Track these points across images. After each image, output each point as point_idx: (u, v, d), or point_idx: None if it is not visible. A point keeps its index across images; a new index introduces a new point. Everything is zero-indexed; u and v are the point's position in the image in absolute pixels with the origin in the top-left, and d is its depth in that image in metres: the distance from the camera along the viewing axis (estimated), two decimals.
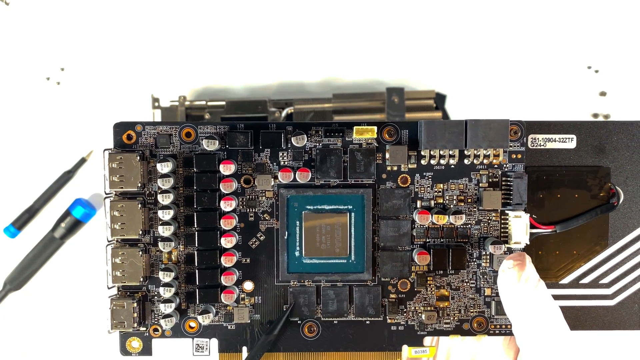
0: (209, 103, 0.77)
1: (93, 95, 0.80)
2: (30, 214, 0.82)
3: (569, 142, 0.57)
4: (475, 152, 0.55)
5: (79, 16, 0.79)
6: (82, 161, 0.81)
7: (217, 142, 0.54)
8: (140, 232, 0.55)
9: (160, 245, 0.55)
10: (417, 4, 0.79)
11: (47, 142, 0.81)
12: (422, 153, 0.55)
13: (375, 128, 0.55)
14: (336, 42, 0.79)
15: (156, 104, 0.78)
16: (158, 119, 0.77)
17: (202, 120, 0.76)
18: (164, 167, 0.54)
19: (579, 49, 0.78)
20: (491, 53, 0.79)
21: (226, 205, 0.54)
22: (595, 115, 0.79)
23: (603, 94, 0.79)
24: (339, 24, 0.79)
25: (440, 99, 0.78)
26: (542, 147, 0.57)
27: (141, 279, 0.55)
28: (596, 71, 0.79)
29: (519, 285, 0.51)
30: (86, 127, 0.80)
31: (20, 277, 0.82)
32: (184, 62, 0.79)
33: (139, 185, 0.55)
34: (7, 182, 0.82)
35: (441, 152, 0.55)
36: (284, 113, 0.76)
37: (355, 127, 0.55)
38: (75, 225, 0.81)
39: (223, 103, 0.76)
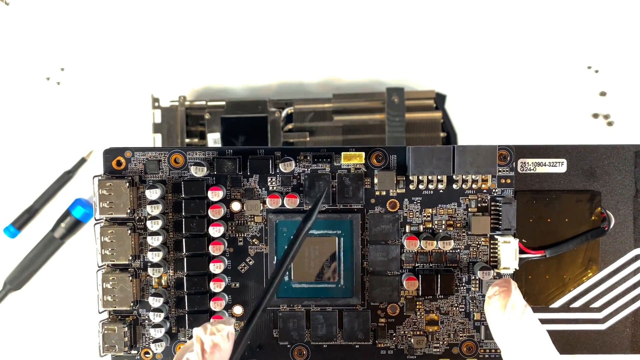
0: (209, 103, 0.77)
1: (93, 96, 0.80)
2: (30, 214, 0.83)
3: (559, 167, 0.56)
4: (463, 177, 0.55)
5: (79, 16, 0.79)
6: (82, 161, 0.82)
7: (205, 168, 0.54)
8: (130, 258, 0.56)
9: (150, 270, 0.55)
10: (417, 4, 0.78)
11: (47, 142, 0.81)
12: (411, 178, 0.55)
13: (363, 154, 0.55)
14: (336, 42, 0.79)
15: (156, 104, 0.78)
16: (158, 119, 0.77)
17: (203, 119, 0.76)
18: (152, 194, 0.54)
19: (579, 49, 0.78)
20: (491, 53, 0.79)
21: (215, 231, 0.55)
22: (595, 116, 0.78)
23: (603, 94, 0.79)
24: (339, 24, 0.79)
25: (440, 99, 0.78)
26: (532, 171, 0.56)
27: (131, 304, 0.56)
28: (596, 71, 0.78)
29: (505, 313, 0.50)
30: (86, 127, 0.80)
31: (20, 277, 0.83)
32: (184, 62, 0.79)
33: (129, 211, 0.55)
34: (7, 182, 0.82)
35: (429, 177, 0.55)
36: (283, 113, 0.76)
37: (343, 153, 0.55)
38: (75, 225, 0.81)
39: (223, 103, 0.76)
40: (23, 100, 0.80)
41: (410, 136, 0.75)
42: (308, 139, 0.76)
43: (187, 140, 0.77)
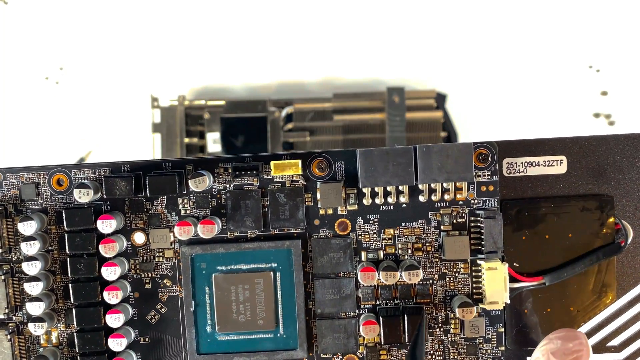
0: (209, 102, 0.76)
1: (92, 95, 0.79)
2: None
3: (558, 166, 0.43)
4: (432, 185, 0.42)
5: (77, 15, 0.78)
6: (81, 161, 0.79)
7: (91, 191, 0.42)
8: (7, 311, 0.43)
9: (31, 326, 0.43)
10: (417, 4, 0.77)
11: (46, 142, 0.79)
12: (364, 191, 0.42)
13: (299, 162, 0.42)
14: (336, 42, 0.78)
15: (155, 103, 0.76)
16: (157, 118, 0.75)
17: (203, 118, 0.74)
18: (26, 228, 0.42)
19: (580, 48, 0.77)
20: (492, 52, 0.78)
21: (109, 273, 0.42)
22: (597, 115, 0.77)
23: (604, 93, 0.77)
24: (339, 23, 0.78)
25: (441, 99, 0.76)
26: (522, 174, 0.43)
27: None
28: (597, 70, 0.77)
29: None
30: (85, 127, 0.78)
31: None
32: (183, 61, 0.79)
33: (0, 251, 0.43)
34: None
35: (387, 188, 0.42)
36: (283, 113, 0.75)
37: (272, 162, 0.42)
38: None
39: (222, 102, 0.76)
40: (22, 99, 0.79)
41: (410, 136, 0.74)
42: (308, 138, 0.75)
43: (186, 140, 0.76)
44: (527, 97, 0.77)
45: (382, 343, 0.43)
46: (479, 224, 0.42)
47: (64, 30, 0.78)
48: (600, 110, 0.77)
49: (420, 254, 0.43)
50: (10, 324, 0.44)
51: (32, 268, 0.42)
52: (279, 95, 0.77)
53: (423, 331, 0.42)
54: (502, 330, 0.44)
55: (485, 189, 0.43)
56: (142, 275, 0.44)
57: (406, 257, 0.43)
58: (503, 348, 0.44)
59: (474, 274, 0.43)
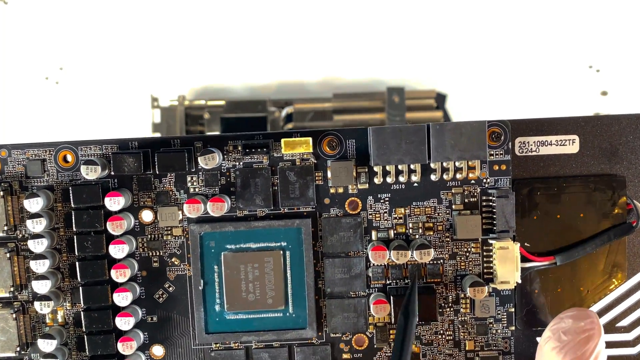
0: (209, 102, 0.76)
1: (92, 95, 0.78)
2: None
3: (570, 145, 0.43)
4: (444, 164, 0.42)
5: (77, 15, 0.77)
6: None
7: (99, 168, 0.41)
8: (12, 289, 0.43)
9: (37, 305, 0.42)
10: (417, 4, 0.77)
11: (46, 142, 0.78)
12: (375, 169, 0.42)
13: (310, 139, 0.42)
14: (336, 42, 0.77)
15: (155, 103, 0.76)
16: (157, 118, 0.75)
17: (203, 118, 0.74)
18: (32, 204, 0.41)
19: (580, 48, 0.77)
20: (492, 52, 0.77)
21: (117, 251, 0.41)
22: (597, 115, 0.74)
23: (604, 93, 0.76)
24: (339, 23, 0.77)
25: (440, 99, 0.76)
26: (534, 153, 0.43)
27: (18, 349, 0.43)
28: (597, 70, 0.76)
29: None
30: (85, 127, 0.77)
31: None
32: (183, 61, 0.78)
33: (6, 228, 0.42)
34: None
35: (399, 167, 0.42)
36: (283, 113, 0.74)
37: (283, 140, 0.42)
38: None
39: (222, 102, 0.75)
40: (22, 99, 0.78)
41: None
42: None
43: None
44: (527, 97, 0.76)
45: (392, 322, 0.43)
46: (491, 203, 0.42)
47: (64, 30, 0.77)
48: (600, 110, 0.77)
49: (431, 233, 0.43)
50: (15, 303, 0.44)
51: (38, 245, 0.42)
52: (279, 95, 0.77)
53: (415, 289, 0.41)
54: (513, 310, 0.43)
55: (497, 168, 0.42)
56: (150, 254, 0.43)
57: (417, 236, 0.43)
58: (513, 328, 0.44)
59: (485, 253, 0.43)
